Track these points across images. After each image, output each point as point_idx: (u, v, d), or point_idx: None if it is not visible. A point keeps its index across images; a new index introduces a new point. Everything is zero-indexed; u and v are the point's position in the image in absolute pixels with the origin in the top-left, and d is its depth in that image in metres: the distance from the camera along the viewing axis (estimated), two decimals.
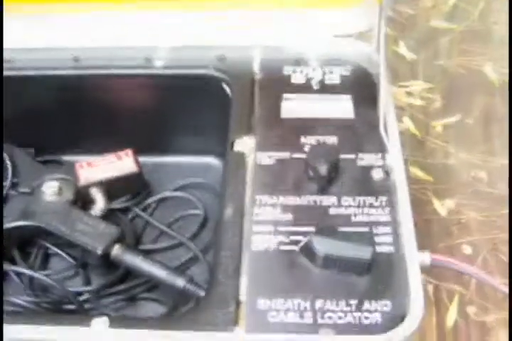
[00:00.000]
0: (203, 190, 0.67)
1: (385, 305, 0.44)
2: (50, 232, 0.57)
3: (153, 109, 0.65)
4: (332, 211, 0.49)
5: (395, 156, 0.52)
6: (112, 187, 0.61)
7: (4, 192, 0.60)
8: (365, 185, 0.51)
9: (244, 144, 0.54)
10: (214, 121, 0.62)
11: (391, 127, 0.55)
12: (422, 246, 0.46)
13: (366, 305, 0.44)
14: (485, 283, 0.56)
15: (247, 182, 0.51)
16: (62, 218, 0.57)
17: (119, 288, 0.59)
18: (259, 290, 0.45)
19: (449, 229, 0.88)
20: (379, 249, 0.46)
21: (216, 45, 0.62)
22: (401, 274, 0.45)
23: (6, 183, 0.60)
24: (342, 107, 0.57)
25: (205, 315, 0.44)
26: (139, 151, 0.62)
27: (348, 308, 0.44)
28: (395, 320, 0.43)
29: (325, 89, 0.58)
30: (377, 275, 0.45)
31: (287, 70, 0.60)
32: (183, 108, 0.64)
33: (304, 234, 0.47)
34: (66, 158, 0.69)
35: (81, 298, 0.59)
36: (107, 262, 0.56)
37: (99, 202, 0.60)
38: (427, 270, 0.47)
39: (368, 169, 0.52)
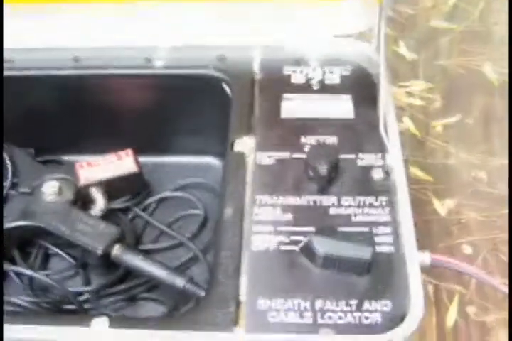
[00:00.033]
0: (203, 190, 0.67)
1: (385, 305, 0.44)
2: (50, 232, 0.57)
3: (153, 109, 0.65)
4: (332, 211, 0.49)
5: (395, 156, 0.52)
6: (112, 187, 0.61)
7: (4, 192, 0.60)
8: (365, 185, 0.51)
9: (244, 144, 0.54)
10: (214, 121, 0.62)
11: (391, 127, 0.54)
12: (422, 246, 0.46)
13: (366, 305, 0.44)
14: (485, 283, 0.56)
15: (247, 182, 0.51)
16: (62, 218, 0.57)
17: (119, 288, 0.59)
18: (259, 290, 0.45)
19: (449, 229, 0.88)
20: (379, 248, 0.46)
21: (216, 45, 0.62)
22: (401, 274, 0.45)
23: (6, 183, 0.60)
24: (342, 107, 0.57)
25: (205, 315, 0.44)
26: (139, 151, 0.62)
27: (348, 308, 0.44)
28: (395, 320, 0.43)
29: (325, 89, 0.58)
30: (377, 275, 0.45)
31: (287, 70, 0.60)
32: (183, 108, 0.64)
33: (304, 234, 0.47)
34: (66, 158, 0.69)
35: (81, 298, 0.59)
36: (107, 262, 0.56)
37: (99, 202, 0.60)
38: (427, 270, 0.47)
39: (367, 169, 0.52)
